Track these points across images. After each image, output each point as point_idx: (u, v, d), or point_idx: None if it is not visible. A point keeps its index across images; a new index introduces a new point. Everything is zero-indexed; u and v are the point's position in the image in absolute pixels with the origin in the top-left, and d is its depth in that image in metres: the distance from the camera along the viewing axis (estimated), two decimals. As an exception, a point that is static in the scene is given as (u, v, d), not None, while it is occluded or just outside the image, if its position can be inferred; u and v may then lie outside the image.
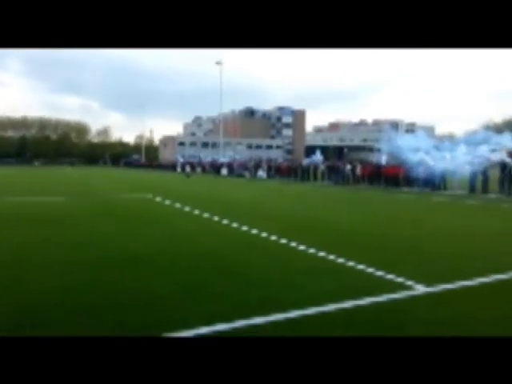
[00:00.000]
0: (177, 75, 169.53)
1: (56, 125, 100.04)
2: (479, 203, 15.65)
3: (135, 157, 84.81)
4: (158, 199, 15.79)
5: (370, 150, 25.28)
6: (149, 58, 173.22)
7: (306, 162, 34.96)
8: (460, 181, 20.66)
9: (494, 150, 18.75)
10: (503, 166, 19.04)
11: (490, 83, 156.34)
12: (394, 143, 22.58)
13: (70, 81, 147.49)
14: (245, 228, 9.12)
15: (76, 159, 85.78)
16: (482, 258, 6.60)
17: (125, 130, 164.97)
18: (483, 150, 18.73)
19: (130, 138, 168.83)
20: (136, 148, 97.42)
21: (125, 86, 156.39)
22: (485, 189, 19.32)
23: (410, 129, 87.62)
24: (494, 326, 3.93)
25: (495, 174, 19.93)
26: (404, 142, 22.08)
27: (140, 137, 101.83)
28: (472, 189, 19.73)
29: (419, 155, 20.04)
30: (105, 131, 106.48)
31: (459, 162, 18.71)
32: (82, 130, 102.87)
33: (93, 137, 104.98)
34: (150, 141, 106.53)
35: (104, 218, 10.92)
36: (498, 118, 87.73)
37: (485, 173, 19.63)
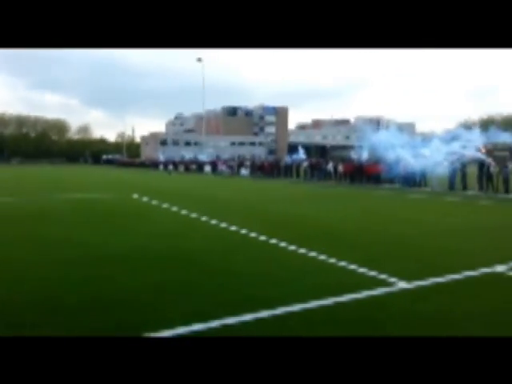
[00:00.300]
0: (159, 73, 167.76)
1: (35, 122, 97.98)
2: (458, 200, 15.99)
3: (117, 155, 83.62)
4: (145, 199, 15.67)
5: (352, 147, 25.49)
6: (131, 55, 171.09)
7: (288, 159, 35.11)
8: (439, 178, 21.05)
9: (464, 147, 19.25)
10: (481, 163, 19.49)
11: (470, 82, 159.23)
12: (369, 140, 23.05)
13: (49, 77, 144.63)
14: (234, 228, 9.12)
15: (57, 158, 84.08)
16: (464, 254, 6.77)
17: (106, 128, 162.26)
18: (455, 146, 19.25)
19: (111, 135, 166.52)
20: (117, 146, 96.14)
21: (105, 83, 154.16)
22: (464, 186, 19.76)
23: (391, 127, 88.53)
24: (471, 320, 4.06)
25: (473, 172, 20.37)
26: (378, 138, 22.54)
27: (121, 135, 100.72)
28: (451, 186, 20.14)
29: (397, 152, 20.36)
30: (85, 129, 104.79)
31: (436, 159, 19.10)
32: (61, 127, 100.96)
33: (73, 134, 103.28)
34: (132, 139, 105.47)
35: (93, 224, 10.80)
36: (476, 116, 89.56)
37: (463, 170, 20.07)
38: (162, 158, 56.90)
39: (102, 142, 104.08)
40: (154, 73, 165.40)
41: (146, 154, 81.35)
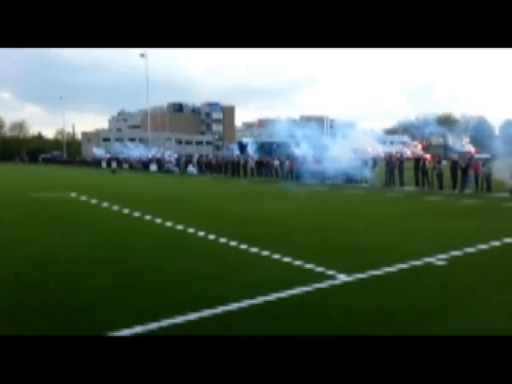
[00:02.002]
0: (101, 67, 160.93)
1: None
2: (397, 195, 16.87)
3: (56, 153, 79.63)
4: (83, 198, 15.11)
5: (297, 145, 26.03)
6: (68, 48, 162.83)
7: (225, 152, 35.55)
8: (378, 174, 22.05)
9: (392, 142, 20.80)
10: (417, 159, 20.65)
11: (410, 81, 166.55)
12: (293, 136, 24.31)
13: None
14: (180, 227, 9.02)
15: None
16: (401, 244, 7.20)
17: (44, 125, 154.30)
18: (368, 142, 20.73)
19: (49, 132, 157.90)
20: (57, 143, 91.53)
21: (42, 76, 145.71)
22: (401, 182, 20.84)
23: (333, 125, 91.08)
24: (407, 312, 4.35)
25: (410, 168, 21.51)
26: (299, 132, 23.85)
27: (61, 131, 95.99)
28: (389, 182, 21.20)
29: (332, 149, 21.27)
30: (20, 125, 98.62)
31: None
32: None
33: (6, 131, 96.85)
34: (72, 136, 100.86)
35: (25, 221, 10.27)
36: (413, 115, 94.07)
37: (400, 166, 21.15)
38: (102, 154, 54.98)
39: (40, 139, 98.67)
40: (94, 66, 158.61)
41: (89, 151, 78.20)
